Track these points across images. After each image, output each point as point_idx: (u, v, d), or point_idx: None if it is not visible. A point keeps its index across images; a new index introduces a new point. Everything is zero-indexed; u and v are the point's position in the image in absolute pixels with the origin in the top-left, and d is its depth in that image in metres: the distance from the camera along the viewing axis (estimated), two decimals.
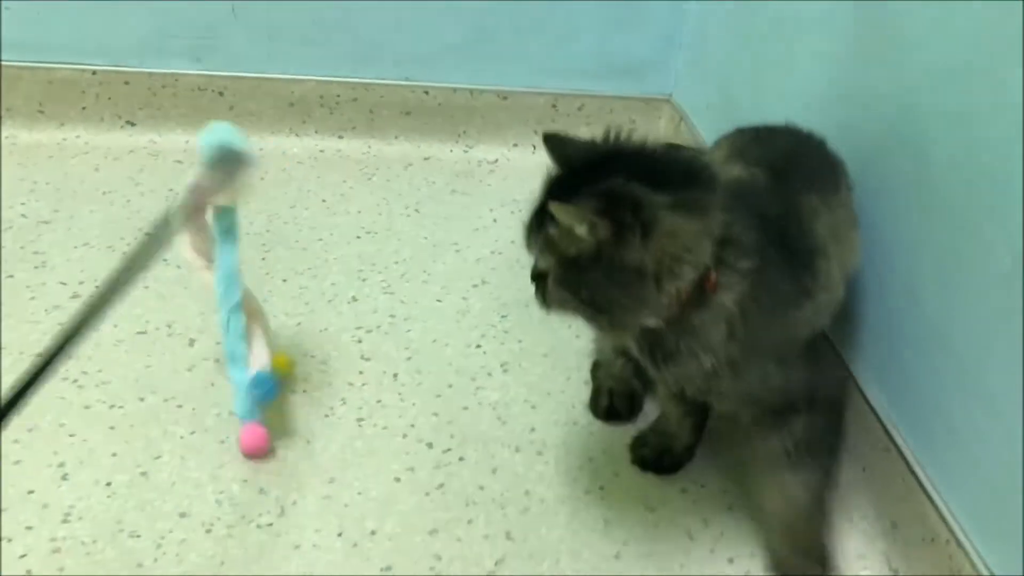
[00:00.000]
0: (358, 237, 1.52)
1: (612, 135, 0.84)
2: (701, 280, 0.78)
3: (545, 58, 1.79)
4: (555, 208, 0.75)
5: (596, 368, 1.21)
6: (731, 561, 0.98)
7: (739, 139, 1.07)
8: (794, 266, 0.87)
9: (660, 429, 1.10)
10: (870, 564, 0.98)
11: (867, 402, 1.04)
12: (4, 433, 1.04)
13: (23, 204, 1.50)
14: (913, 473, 0.94)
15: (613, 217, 0.74)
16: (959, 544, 0.86)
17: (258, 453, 1.05)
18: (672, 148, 0.85)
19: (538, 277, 0.84)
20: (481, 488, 1.04)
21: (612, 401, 1.16)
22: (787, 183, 0.93)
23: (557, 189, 0.81)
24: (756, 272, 0.81)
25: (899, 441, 0.98)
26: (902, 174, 0.98)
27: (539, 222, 0.81)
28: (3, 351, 1.17)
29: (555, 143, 0.85)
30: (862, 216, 1.03)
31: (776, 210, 0.88)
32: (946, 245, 0.90)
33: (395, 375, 1.21)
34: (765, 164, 0.95)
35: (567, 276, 0.80)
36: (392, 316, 1.32)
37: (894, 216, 1.00)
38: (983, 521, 0.85)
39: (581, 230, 0.75)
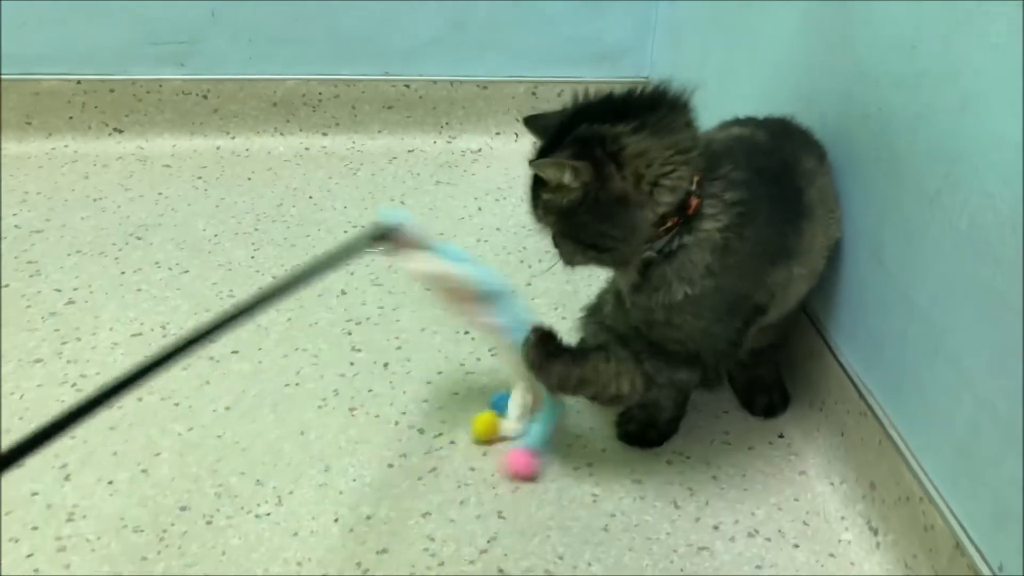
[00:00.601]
0: (345, 232, 1.54)
1: (579, 96, 0.90)
2: (683, 205, 0.84)
3: (523, 46, 1.82)
4: (535, 166, 0.82)
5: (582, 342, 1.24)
6: (716, 528, 1.01)
7: (738, 120, 1.12)
8: (782, 221, 0.93)
9: (645, 403, 1.13)
10: (851, 525, 1.01)
11: (842, 368, 1.07)
12: (6, 438, 1.07)
13: (15, 215, 1.53)
14: (888, 435, 0.97)
15: (588, 158, 0.80)
16: (931, 501, 0.89)
17: (528, 476, 1.06)
18: (635, 88, 0.89)
19: (553, 239, 0.91)
20: (472, 470, 1.07)
21: None
22: (785, 145, 1.00)
23: (539, 156, 0.88)
24: (743, 208, 0.87)
25: (874, 405, 1.00)
26: (865, 142, 1.01)
27: (535, 193, 0.88)
28: (3, 359, 1.20)
29: (531, 121, 0.93)
30: None
31: (773, 166, 0.94)
32: (909, 210, 0.93)
33: (386, 364, 1.24)
34: (765, 128, 1.03)
35: (566, 226, 0.87)
36: (381, 307, 1.35)
37: (861, 184, 1.02)
38: (952, 478, 0.87)
39: (566, 178, 0.81)
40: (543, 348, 0.99)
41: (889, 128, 0.96)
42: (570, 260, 0.92)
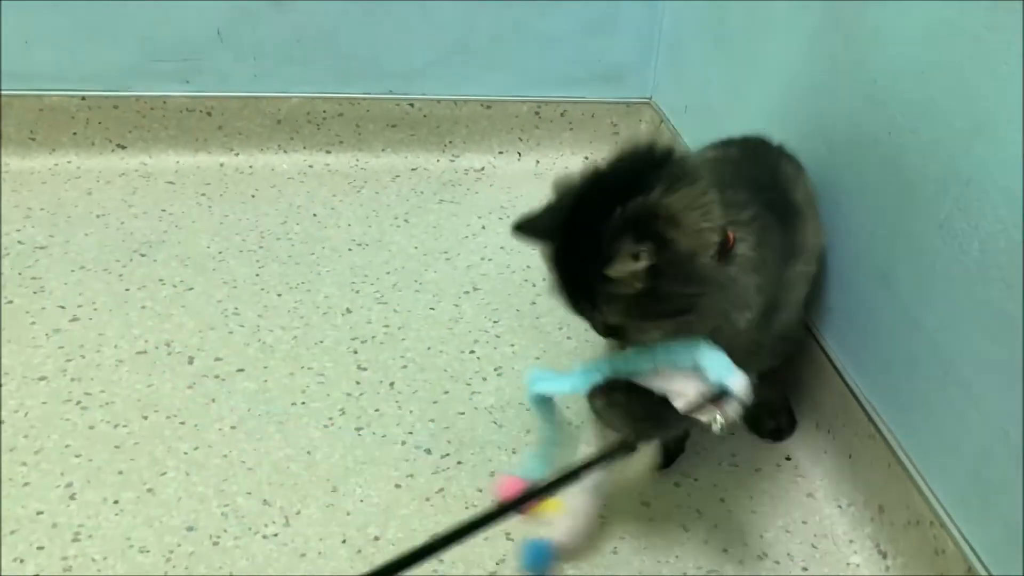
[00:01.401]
0: (349, 249, 1.54)
1: (562, 186, 0.86)
2: (723, 240, 0.84)
3: (526, 66, 1.82)
4: (612, 272, 0.78)
5: None
6: (725, 551, 1.01)
7: (710, 145, 1.13)
8: (782, 222, 0.96)
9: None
10: (860, 548, 1.01)
11: (850, 390, 1.07)
12: (10, 456, 1.07)
13: (19, 231, 1.52)
14: (897, 458, 0.97)
15: (647, 236, 0.77)
16: (942, 525, 0.89)
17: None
18: (619, 156, 0.87)
19: (612, 330, 0.86)
20: (480, 491, 1.07)
21: None
22: (761, 156, 1.03)
23: (569, 256, 0.83)
24: (760, 221, 0.89)
25: (882, 428, 1.01)
26: (874, 166, 1.02)
27: (581, 293, 0.84)
28: (6, 376, 1.19)
29: (525, 228, 0.88)
30: (837, 210, 1.07)
31: (757, 174, 0.97)
32: (918, 235, 0.93)
33: (392, 384, 1.23)
34: (736, 145, 1.06)
35: (647, 310, 0.82)
36: (386, 326, 1.35)
37: (869, 208, 1.03)
38: (963, 502, 0.88)
39: (636, 267, 0.78)
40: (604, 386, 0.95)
41: (899, 153, 0.97)
42: (644, 336, 0.86)
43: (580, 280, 0.83)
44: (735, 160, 1.03)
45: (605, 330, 0.87)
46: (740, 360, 0.91)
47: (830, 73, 1.14)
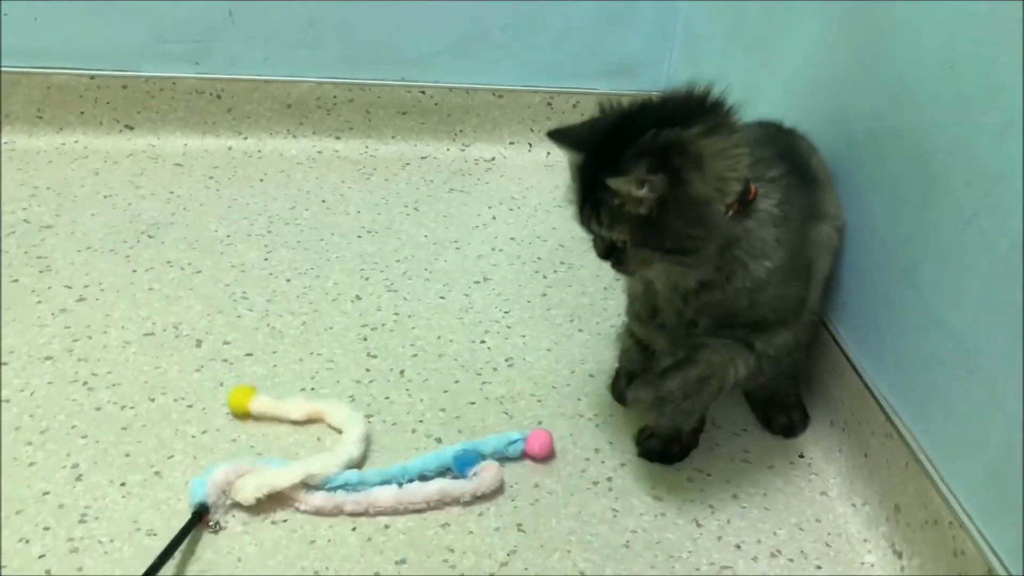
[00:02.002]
0: (359, 236, 1.53)
1: (610, 106, 0.90)
2: (743, 192, 0.87)
3: (539, 56, 1.81)
4: (613, 183, 0.80)
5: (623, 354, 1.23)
6: (738, 547, 1.00)
7: None
8: (804, 186, 0.98)
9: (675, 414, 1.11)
10: (874, 547, 1.00)
11: (867, 388, 1.06)
12: (15, 435, 1.05)
13: (25, 209, 1.51)
14: (915, 458, 0.96)
15: (665, 167, 0.80)
16: (962, 525, 0.88)
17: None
18: (672, 93, 0.91)
19: (611, 250, 0.90)
20: None
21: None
22: (778, 133, 1.07)
23: (594, 168, 0.86)
24: (785, 180, 0.92)
25: (900, 426, 0.99)
26: (897, 163, 1.00)
27: (592, 205, 0.86)
28: (11, 355, 1.18)
29: (559, 135, 0.91)
30: (857, 206, 1.07)
31: (780, 145, 0.99)
32: (943, 232, 0.92)
33: (402, 372, 1.22)
34: (754, 124, 1.06)
35: (646, 235, 0.85)
36: (396, 314, 1.34)
37: (891, 204, 1.02)
38: (984, 502, 0.87)
39: (642, 192, 0.80)
40: (645, 378, 0.98)
41: (924, 149, 0.95)
42: (640, 268, 0.91)
43: (595, 193, 0.85)
44: (756, 132, 1.04)
45: (605, 251, 0.90)
46: (776, 312, 0.97)
47: (852, 68, 1.12)
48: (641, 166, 0.80)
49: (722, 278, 0.92)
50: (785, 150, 1.00)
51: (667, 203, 0.82)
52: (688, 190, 0.82)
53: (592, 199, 0.86)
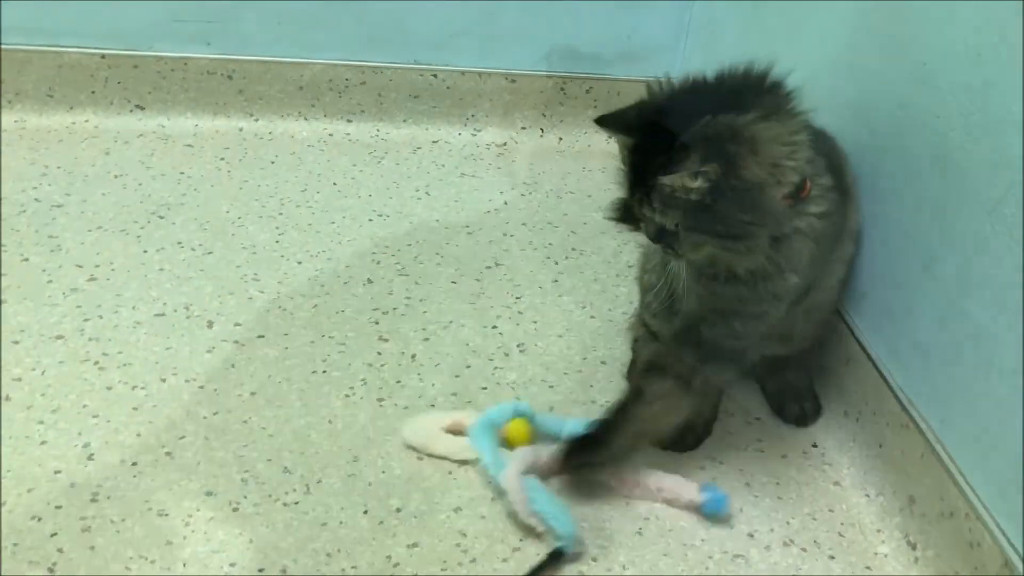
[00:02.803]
0: (370, 220, 1.52)
1: (659, 87, 0.88)
2: (799, 186, 0.85)
3: (552, 41, 1.79)
4: (667, 179, 0.80)
5: (636, 343, 1.23)
6: (751, 536, 1.00)
7: None
8: (841, 203, 0.95)
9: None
10: (888, 538, 1.00)
11: (883, 378, 1.05)
12: (28, 413, 1.05)
13: (35, 188, 1.50)
14: (932, 449, 0.95)
15: (718, 155, 0.78)
16: (978, 517, 0.87)
17: None
18: (728, 72, 0.89)
19: (662, 233, 0.87)
20: None
21: None
22: (818, 136, 0.99)
23: (645, 152, 0.84)
24: (834, 194, 0.90)
25: (916, 417, 0.99)
26: (919, 151, 0.99)
27: (643, 189, 0.84)
28: (22, 333, 1.17)
29: (609, 120, 0.89)
30: (877, 195, 1.05)
31: (821, 151, 0.94)
32: (966, 221, 0.91)
33: (413, 356, 1.21)
34: None
35: (699, 220, 0.83)
36: (408, 298, 1.33)
37: (913, 193, 1.01)
38: (1003, 495, 0.86)
39: (696, 183, 0.79)
40: (577, 462, 1.00)
41: (948, 137, 0.94)
42: (692, 252, 0.88)
43: (646, 180, 0.83)
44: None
45: (656, 234, 0.88)
46: (772, 329, 0.95)
47: (875, 55, 1.11)
48: (695, 158, 0.78)
49: (774, 268, 0.89)
50: (826, 159, 0.97)
51: (721, 188, 0.80)
52: (742, 176, 0.80)
53: (643, 183, 0.84)
